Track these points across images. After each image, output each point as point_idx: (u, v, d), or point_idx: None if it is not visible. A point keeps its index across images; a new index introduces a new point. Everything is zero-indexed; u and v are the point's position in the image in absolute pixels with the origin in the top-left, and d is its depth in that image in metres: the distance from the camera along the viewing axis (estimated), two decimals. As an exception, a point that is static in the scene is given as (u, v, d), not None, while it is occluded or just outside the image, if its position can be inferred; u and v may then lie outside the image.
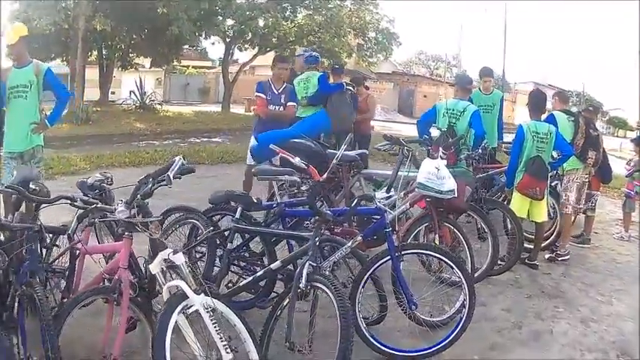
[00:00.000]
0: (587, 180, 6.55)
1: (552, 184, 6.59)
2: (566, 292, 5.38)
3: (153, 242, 2.91)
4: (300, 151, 4.83)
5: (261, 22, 22.24)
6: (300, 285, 3.16)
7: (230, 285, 3.99)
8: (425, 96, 31.51)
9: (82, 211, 3.33)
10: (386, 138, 5.57)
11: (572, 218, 6.56)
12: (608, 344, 4.32)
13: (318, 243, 3.38)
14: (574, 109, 7.16)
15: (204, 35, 20.84)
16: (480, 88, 7.84)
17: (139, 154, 11.35)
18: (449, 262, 3.78)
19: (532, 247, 6.12)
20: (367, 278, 3.76)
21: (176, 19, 16.88)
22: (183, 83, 36.89)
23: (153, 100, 23.98)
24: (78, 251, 3.61)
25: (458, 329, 3.77)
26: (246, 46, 24.48)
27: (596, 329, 4.57)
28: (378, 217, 3.89)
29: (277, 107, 6.37)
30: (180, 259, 2.77)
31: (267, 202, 4.59)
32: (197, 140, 15.69)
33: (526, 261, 6.00)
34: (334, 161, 4.89)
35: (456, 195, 4.33)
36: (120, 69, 24.54)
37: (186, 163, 3.31)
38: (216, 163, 11.41)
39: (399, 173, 5.07)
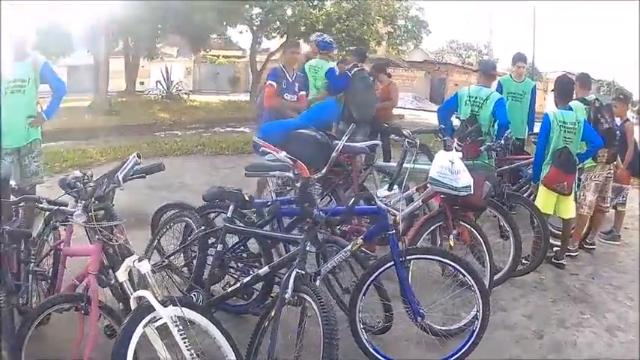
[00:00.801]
0: (609, 177, 6.07)
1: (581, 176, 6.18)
2: (594, 296, 4.94)
3: (119, 248, 2.63)
4: (304, 142, 4.51)
5: (289, 11, 21.90)
6: (286, 295, 2.85)
7: (228, 287, 3.71)
8: (456, 84, 30.61)
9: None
10: (389, 130, 5.21)
11: (588, 219, 6.05)
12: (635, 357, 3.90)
13: (307, 247, 3.04)
14: (605, 99, 6.46)
15: (228, 24, 20.59)
16: (511, 75, 7.34)
17: (157, 145, 11.19)
18: (460, 269, 3.42)
19: (559, 244, 5.69)
20: (369, 285, 3.44)
21: (199, 8, 16.66)
22: (213, 72, 36.66)
23: (180, 90, 23.88)
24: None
25: (470, 342, 3.45)
26: (274, 34, 24.17)
27: (623, 339, 4.15)
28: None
29: (292, 96, 5.97)
30: (145, 267, 2.48)
31: (260, 200, 4.24)
32: (221, 130, 15.51)
33: (553, 260, 5.60)
34: (333, 154, 4.51)
35: (472, 191, 3.94)
36: (147, 59, 24.45)
37: (141, 162, 3.01)
38: (236, 153, 10.97)
39: (405, 166, 4.63)
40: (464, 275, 3.43)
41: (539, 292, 4.93)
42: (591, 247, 6.24)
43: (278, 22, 22.36)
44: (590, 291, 5.05)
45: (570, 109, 5.59)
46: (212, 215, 4.12)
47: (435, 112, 7.22)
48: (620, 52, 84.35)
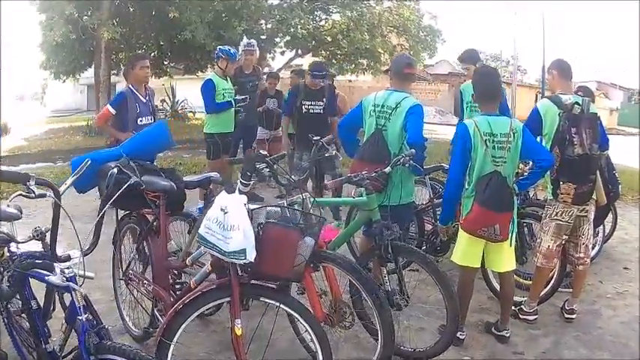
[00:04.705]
0: (584, 215, 4.33)
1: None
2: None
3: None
4: (104, 178, 3.47)
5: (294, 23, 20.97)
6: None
7: None
8: (481, 96, 29.37)
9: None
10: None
11: (548, 272, 4.51)
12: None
13: None
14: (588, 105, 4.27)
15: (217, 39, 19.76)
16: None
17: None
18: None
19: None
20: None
21: (188, 23, 15.88)
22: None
23: (185, 108, 23.25)
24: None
25: None
26: (282, 49, 23.31)
27: None
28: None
29: (149, 118, 5.55)
30: None
31: None
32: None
33: (493, 330, 4.27)
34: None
35: (250, 259, 2.64)
36: (153, 76, 23.91)
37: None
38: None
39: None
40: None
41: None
42: (570, 315, 4.57)
43: (288, 37, 21.51)
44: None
45: (499, 114, 3.98)
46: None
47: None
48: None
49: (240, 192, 2.78)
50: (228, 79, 7.31)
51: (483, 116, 3.94)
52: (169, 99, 22.89)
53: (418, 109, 4.25)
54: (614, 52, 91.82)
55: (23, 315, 3.07)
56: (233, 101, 7.24)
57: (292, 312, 2.87)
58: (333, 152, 4.19)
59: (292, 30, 20.50)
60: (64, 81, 21.35)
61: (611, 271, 5.89)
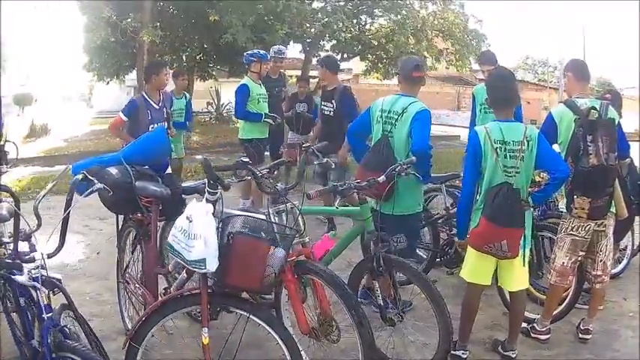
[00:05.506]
0: (602, 230, 4.05)
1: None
2: None
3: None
4: (105, 182, 3.45)
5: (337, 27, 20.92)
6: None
7: None
8: (528, 102, 28.35)
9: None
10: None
11: (561, 290, 4.25)
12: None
13: None
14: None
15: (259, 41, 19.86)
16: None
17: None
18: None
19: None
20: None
21: (229, 27, 16.00)
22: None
23: (230, 111, 23.46)
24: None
25: None
26: (328, 53, 23.25)
27: None
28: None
29: (162, 124, 5.66)
30: None
31: None
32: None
33: (499, 349, 4.01)
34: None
35: (209, 268, 2.57)
36: (197, 79, 24.24)
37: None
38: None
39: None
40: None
41: None
42: (585, 336, 4.26)
43: (334, 40, 21.49)
44: None
45: (514, 120, 3.76)
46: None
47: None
48: None
49: (208, 201, 2.69)
50: (261, 84, 7.31)
51: (496, 122, 3.71)
52: (215, 102, 23.11)
53: (424, 115, 4.09)
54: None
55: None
56: (263, 114, 7.24)
57: (262, 323, 2.78)
58: (324, 160, 4.03)
59: (336, 34, 20.46)
60: (108, 83, 21.88)
61: (637, 287, 5.44)
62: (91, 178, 3.14)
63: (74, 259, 5.96)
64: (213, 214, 2.66)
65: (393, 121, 4.15)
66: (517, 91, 3.93)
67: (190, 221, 2.62)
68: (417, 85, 4.32)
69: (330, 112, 6.39)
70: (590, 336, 4.27)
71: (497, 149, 3.57)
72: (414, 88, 4.30)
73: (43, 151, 15.39)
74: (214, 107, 23.08)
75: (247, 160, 3.30)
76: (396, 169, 3.70)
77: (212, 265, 2.58)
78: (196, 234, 2.58)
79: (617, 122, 4.01)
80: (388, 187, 3.69)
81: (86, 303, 4.73)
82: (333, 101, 6.38)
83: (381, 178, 3.65)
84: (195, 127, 20.17)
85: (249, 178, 3.35)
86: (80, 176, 3.18)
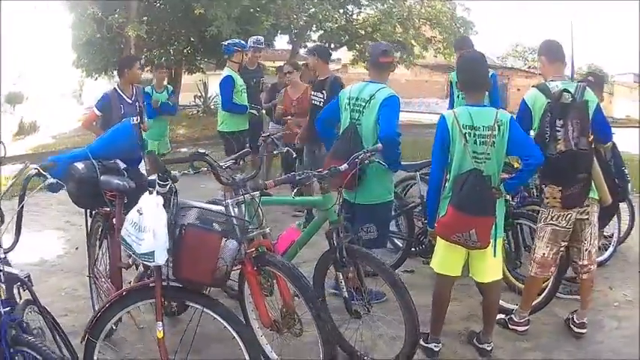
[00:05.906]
0: (585, 219, 3.89)
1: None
2: None
3: None
4: (71, 177, 3.49)
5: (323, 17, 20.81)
6: None
7: None
8: (518, 89, 28.32)
9: None
10: None
11: (540, 282, 4.10)
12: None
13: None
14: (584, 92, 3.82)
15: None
16: None
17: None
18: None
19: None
20: None
21: (215, 19, 15.86)
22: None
23: (217, 104, 23.33)
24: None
25: None
26: (315, 43, 23.13)
27: None
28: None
29: (136, 118, 5.69)
30: None
31: None
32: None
33: (474, 341, 3.89)
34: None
35: (158, 261, 2.52)
36: (185, 72, 24.08)
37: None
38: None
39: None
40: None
41: None
42: (580, 330, 4.08)
43: (321, 31, 21.39)
44: None
45: (486, 105, 3.67)
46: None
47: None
48: None
49: (158, 193, 2.63)
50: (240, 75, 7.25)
51: (465, 107, 3.55)
52: (202, 95, 22.97)
53: (393, 101, 4.00)
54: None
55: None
56: (248, 106, 7.25)
57: (217, 317, 2.73)
58: (284, 149, 3.97)
59: (323, 24, 20.36)
60: (96, 78, 21.78)
61: (624, 275, 5.37)
62: (43, 173, 3.07)
63: (53, 255, 5.92)
64: (164, 206, 2.60)
65: (361, 109, 4.07)
66: (487, 74, 3.81)
67: (141, 214, 2.58)
68: (385, 71, 4.23)
69: (319, 102, 6.27)
70: (586, 330, 4.09)
71: (466, 134, 3.41)
72: (383, 74, 4.22)
73: (31, 148, 15.29)
74: (202, 100, 22.92)
75: (203, 151, 3.22)
76: (359, 157, 3.63)
77: (161, 258, 2.53)
78: (146, 226, 2.54)
79: (595, 105, 3.82)
80: (350, 175, 3.60)
81: (61, 299, 4.73)
82: (324, 91, 6.26)
83: (344, 167, 3.58)
84: (182, 121, 20.12)
85: (206, 169, 3.28)
86: (33, 172, 3.12)
